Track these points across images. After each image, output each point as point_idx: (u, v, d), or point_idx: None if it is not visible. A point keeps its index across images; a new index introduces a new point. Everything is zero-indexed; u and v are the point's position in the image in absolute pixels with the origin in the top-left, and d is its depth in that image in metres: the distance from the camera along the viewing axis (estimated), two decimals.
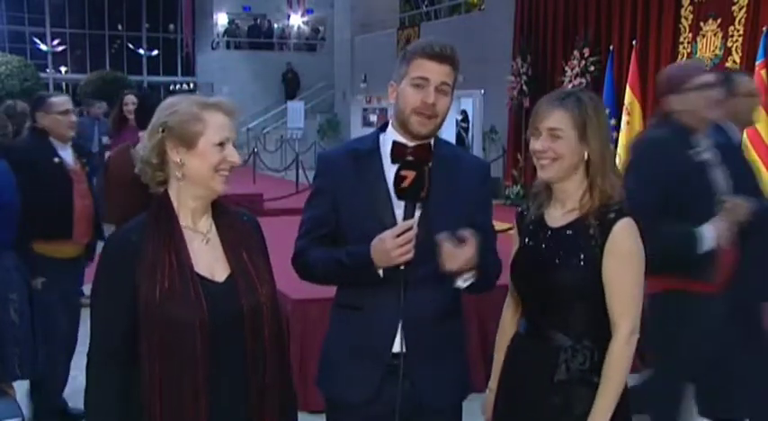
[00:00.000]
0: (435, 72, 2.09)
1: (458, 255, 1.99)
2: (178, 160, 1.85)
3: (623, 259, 2.00)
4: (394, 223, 2.09)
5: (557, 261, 2.04)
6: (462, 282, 2.05)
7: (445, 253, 1.99)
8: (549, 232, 2.10)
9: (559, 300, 2.06)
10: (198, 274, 1.85)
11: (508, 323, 2.28)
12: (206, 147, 1.85)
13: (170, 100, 1.92)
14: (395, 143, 2.15)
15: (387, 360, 2.13)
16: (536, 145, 2.08)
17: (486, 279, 2.15)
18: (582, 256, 2.02)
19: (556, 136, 2.04)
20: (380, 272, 2.07)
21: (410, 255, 2.01)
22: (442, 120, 2.14)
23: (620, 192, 2.06)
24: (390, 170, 2.12)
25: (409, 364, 2.13)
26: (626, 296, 2.01)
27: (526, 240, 2.16)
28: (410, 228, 2.01)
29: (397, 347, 2.13)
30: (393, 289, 2.09)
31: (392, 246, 2.00)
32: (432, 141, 2.19)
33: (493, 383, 2.28)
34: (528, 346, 2.14)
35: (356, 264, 2.09)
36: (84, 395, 1.89)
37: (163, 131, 1.85)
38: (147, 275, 1.80)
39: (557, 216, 2.11)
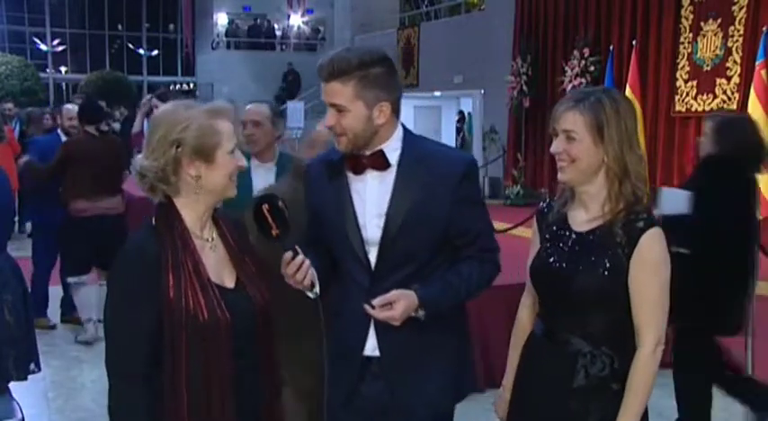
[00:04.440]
0: (325, 93, 2.05)
1: (390, 317, 2.01)
2: (195, 174, 1.83)
3: (651, 269, 1.95)
4: (358, 235, 2.10)
5: (579, 267, 2.00)
6: (417, 315, 2.07)
7: (381, 319, 2.03)
8: (573, 236, 2.05)
9: (580, 305, 2.00)
10: (213, 282, 1.86)
11: (525, 322, 2.23)
12: (223, 157, 1.85)
13: (172, 112, 1.86)
14: (346, 156, 2.11)
15: (359, 362, 2.14)
16: (553, 146, 2.04)
17: (448, 299, 2.12)
18: (606, 264, 1.96)
19: (571, 138, 1.99)
20: (310, 294, 2.07)
21: (306, 283, 2.00)
22: (356, 135, 2.05)
23: (644, 199, 2.01)
24: (354, 181, 2.13)
25: (385, 368, 2.14)
26: (652, 306, 1.96)
27: (547, 243, 2.11)
28: (292, 261, 1.99)
29: (368, 350, 2.14)
30: (364, 293, 2.09)
31: (285, 277, 2.02)
32: (388, 146, 2.11)
33: (508, 382, 2.24)
34: (544, 349, 2.08)
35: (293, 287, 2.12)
36: (109, 410, 1.85)
37: (178, 148, 1.80)
38: (171, 286, 1.79)
39: (581, 220, 2.07)
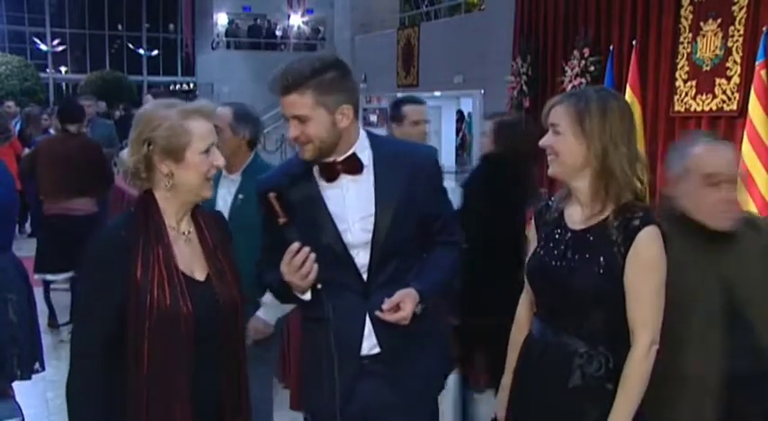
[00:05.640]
0: (284, 106, 2.06)
1: (402, 318, 2.04)
2: (167, 172, 1.89)
3: (647, 268, 1.94)
4: (339, 241, 2.10)
5: (575, 265, 2.00)
6: (416, 310, 2.10)
7: (391, 322, 2.05)
8: (569, 234, 2.06)
9: (576, 304, 2.00)
10: (182, 273, 1.90)
11: (523, 321, 2.23)
12: (194, 157, 1.89)
13: (150, 110, 1.92)
14: (321, 164, 2.12)
15: (356, 362, 2.15)
16: (542, 140, 2.06)
17: (440, 287, 2.22)
18: (602, 262, 1.96)
19: (556, 132, 2.01)
20: (305, 295, 2.07)
21: (312, 276, 2.00)
22: (322, 142, 2.06)
23: (636, 196, 1.99)
24: (327, 189, 2.13)
25: (387, 362, 2.15)
26: (647, 306, 1.94)
27: (543, 241, 2.12)
28: (298, 252, 1.99)
29: (365, 350, 2.15)
30: (356, 295, 2.12)
31: (287, 272, 2.01)
32: (358, 148, 2.13)
33: (507, 382, 2.23)
34: (541, 348, 2.09)
35: (282, 293, 2.12)
36: (67, 388, 1.91)
37: (149, 146, 1.87)
38: (139, 272, 1.84)
39: (576, 218, 2.07)
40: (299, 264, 1.98)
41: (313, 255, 2.00)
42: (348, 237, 2.11)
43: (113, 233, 1.91)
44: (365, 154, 2.13)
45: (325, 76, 2.03)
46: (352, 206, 2.11)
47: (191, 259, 1.94)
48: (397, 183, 2.11)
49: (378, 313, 2.04)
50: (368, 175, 2.12)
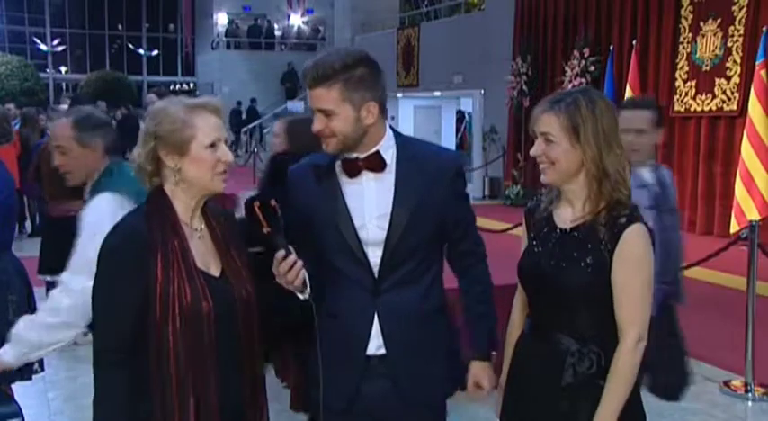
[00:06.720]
0: (311, 98, 2.07)
1: (487, 391, 2.21)
2: (174, 166, 1.91)
3: (633, 265, 1.97)
4: (355, 237, 2.10)
5: (563, 264, 2.02)
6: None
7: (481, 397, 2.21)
8: (558, 233, 2.05)
9: (566, 302, 2.01)
10: (199, 269, 1.91)
11: (518, 320, 2.25)
12: (199, 150, 1.90)
13: (158, 106, 1.96)
14: (344, 160, 2.12)
15: (362, 362, 2.15)
16: (533, 149, 2.06)
17: (493, 327, 2.28)
18: (590, 260, 1.98)
19: (548, 140, 2.01)
20: (301, 296, 2.06)
21: (297, 283, 1.99)
22: (346, 137, 2.06)
23: (626, 196, 2.02)
24: (347, 184, 2.12)
25: (390, 364, 2.15)
26: (634, 302, 1.97)
27: (534, 240, 2.13)
28: (284, 259, 1.99)
29: (372, 349, 2.15)
30: (366, 293, 2.13)
31: (277, 276, 2.02)
32: (382, 146, 2.12)
33: (503, 382, 2.24)
34: (533, 347, 2.10)
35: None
36: (95, 386, 1.89)
37: (155, 140, 1.89)
38: (159, 269, 1.85)
39: (566, 217, 2.06)
40: (286, 270, 1.99)
41: (300, 263, 2.00)
42: (363, 234, 2.11)
43: (131, 228, 1.90)
44: (389, 153, 2.13)
45: (354, 71, 2.03)
46: (371, 203, 2.12)
47: (205, 255, 1.94)
48: (417, 185, 2.11)
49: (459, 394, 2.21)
50: (389, 174, 2.12)
